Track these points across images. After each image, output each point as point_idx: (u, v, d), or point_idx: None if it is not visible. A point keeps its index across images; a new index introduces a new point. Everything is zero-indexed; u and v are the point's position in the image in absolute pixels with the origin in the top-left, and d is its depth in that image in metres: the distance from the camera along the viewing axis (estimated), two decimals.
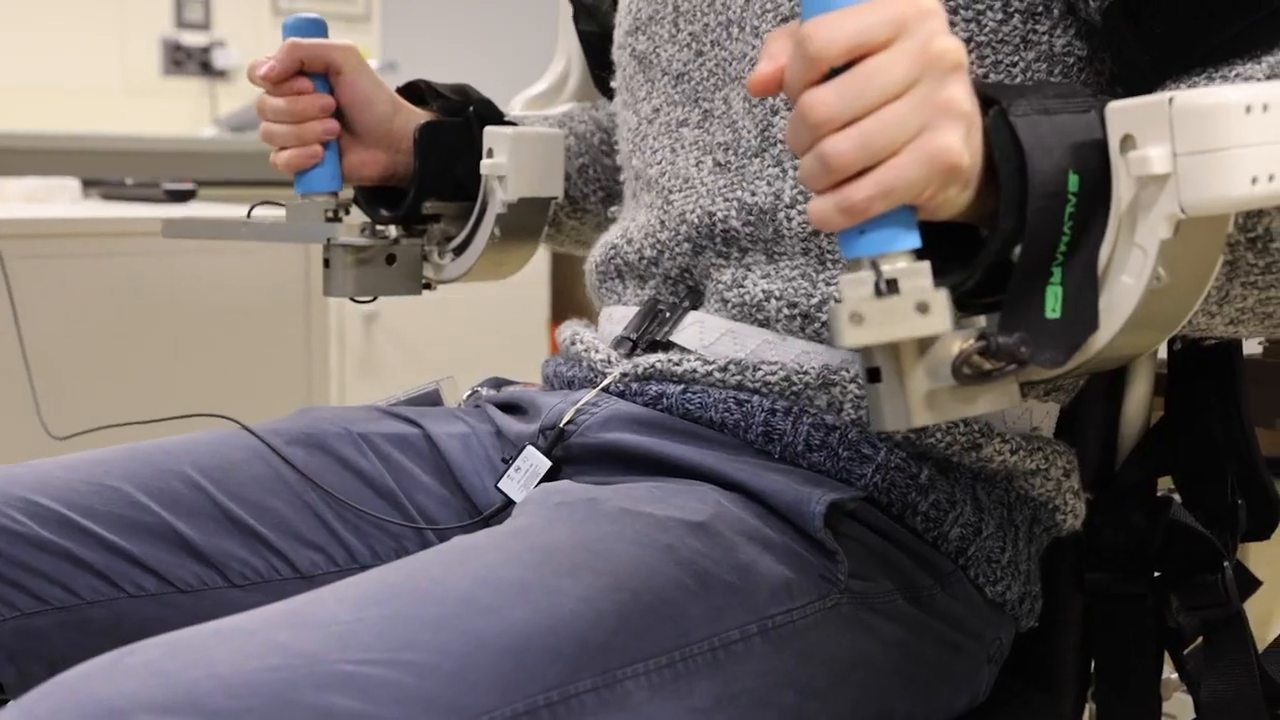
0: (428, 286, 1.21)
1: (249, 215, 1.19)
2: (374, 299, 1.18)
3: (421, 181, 1.15)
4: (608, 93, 1.25)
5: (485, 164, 1.12)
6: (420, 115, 1.17)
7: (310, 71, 1.12)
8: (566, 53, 1.40)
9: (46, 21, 3.95)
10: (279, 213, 1.17)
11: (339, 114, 1.14)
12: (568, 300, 3.49)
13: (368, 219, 1.18)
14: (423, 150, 1.14)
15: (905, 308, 0.66)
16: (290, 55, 1.10)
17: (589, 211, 1.25)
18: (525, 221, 1.15)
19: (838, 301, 0.67)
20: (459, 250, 1.18)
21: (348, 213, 1.16)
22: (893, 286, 0.66)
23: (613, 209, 1.17)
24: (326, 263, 1.16)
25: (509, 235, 1.15)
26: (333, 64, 1.12)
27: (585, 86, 1.36)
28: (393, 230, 1.18)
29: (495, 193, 1.13)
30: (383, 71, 3.95)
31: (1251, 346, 1.24)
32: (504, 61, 4.58)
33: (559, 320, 3.44)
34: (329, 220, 1.14)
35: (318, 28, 1.14)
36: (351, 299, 1.19)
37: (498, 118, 1.18)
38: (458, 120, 1.17)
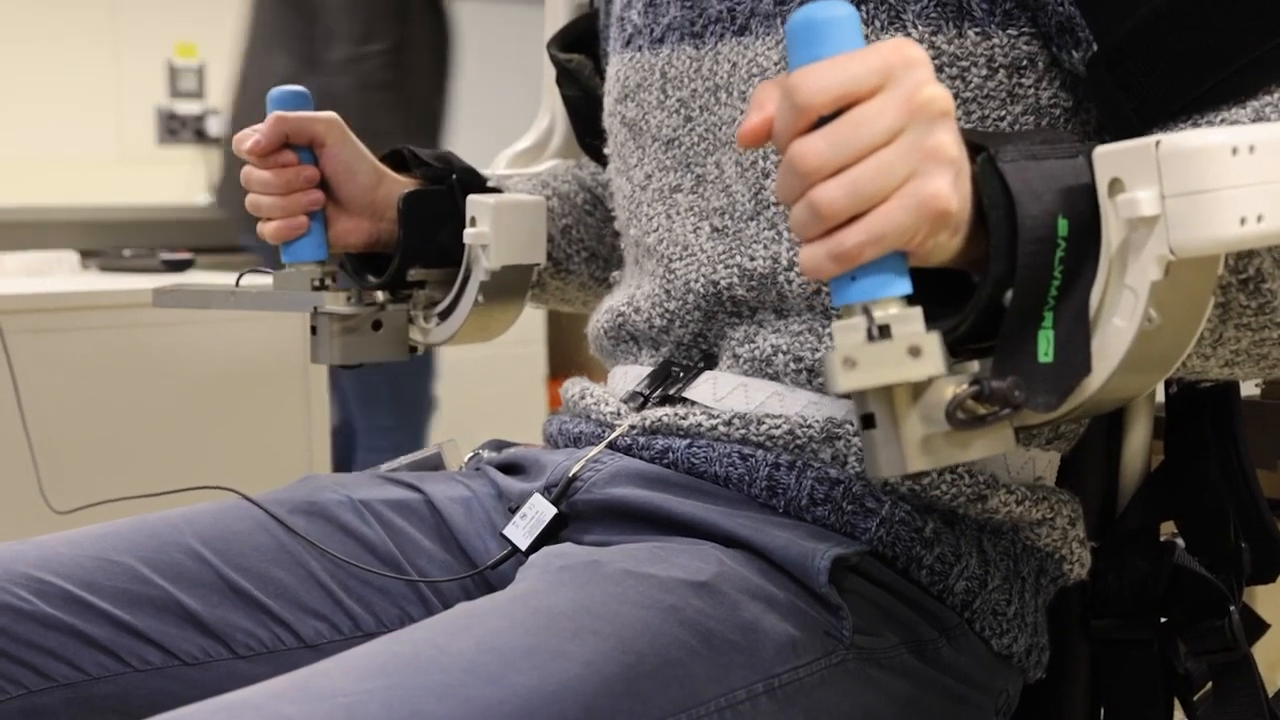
0: (413, 350, 1.22)
1: (237, 284, 1.20)
2: (361, 365, 1.19)
3: (406, 250, 1.15)
4: (596, 158, 1.26)
5: (468, 233, 1.13)
6: (403, 183, 1.18)
7: (295, 144, 1.13)
8: (551, 109, 1.41)
9: (43, 93, 3.98)
10: (267, 280, 1.18)
11: (324, 184, 1.15)
12: (566, 358, 3.49)
13: (353, 286, 1.19)
14: (406, 219, 1.15)
15: (898, 352, 0.66)
16: (276, 128, 1.11)
17: (572, 272, 1.25)
18: (509, 287, 1.16)
19: (830, 348, 0.67)
20: (444, 315, 1.19)
21: (334, 281, 1.17)
22: (885, 332, 0.66)
23: (614, 274, 1.17)
24: (314, 330, 1.17)
25: (493, 300, 1.15)
26: (316, 136, 1.13)
27: (569, 144, 1.36)
28: (379, 296, 1.18)
29: (479, 261, 1.14)
30: None
31: (1249, 388, 1.24)
32: (483, 117, 4.60)
33: (557, 378, 3.45)
34: (315, 289, 1.15)
35: (302, 100, 1.15)
36: (340, 365, 1.19)
37: (480, 184, 1.19)
38: (440, 189, 1.17)
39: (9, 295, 1.53)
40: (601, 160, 1.22)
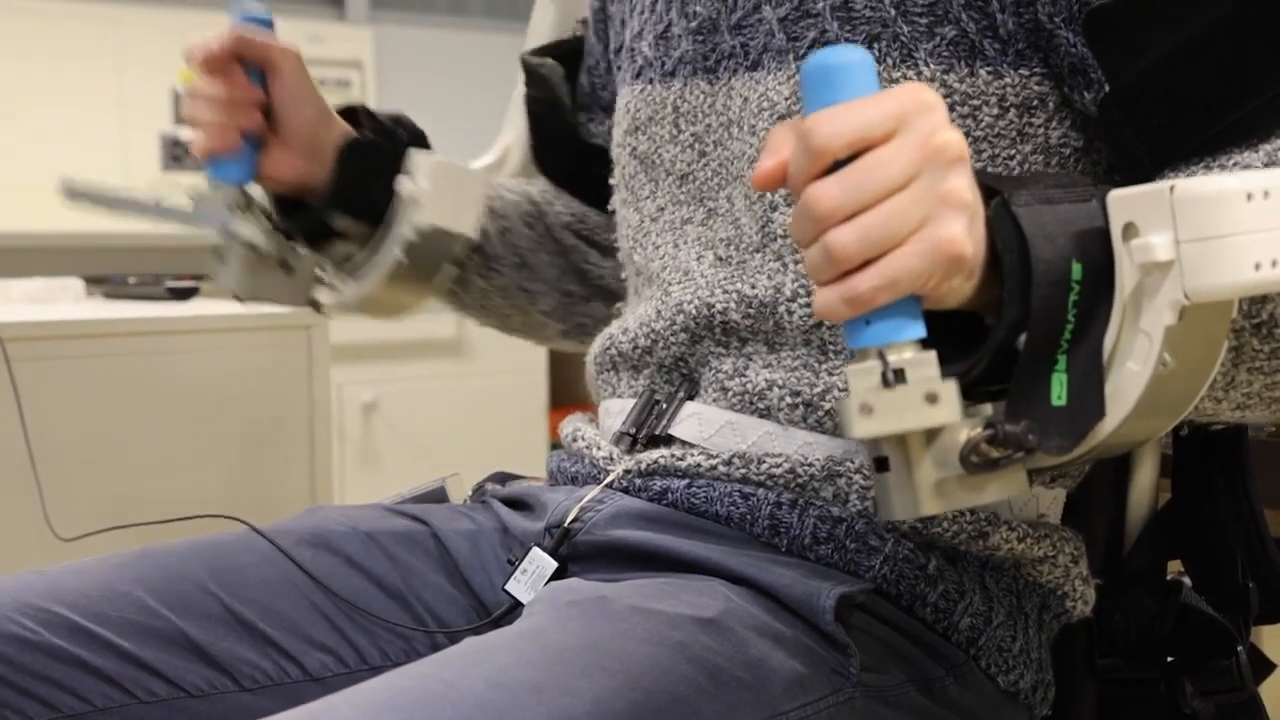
0: (317, 308, 1.18)
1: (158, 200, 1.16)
2: (259, 301, 1.15)
3: (335, 193, 1.13)
4: (547, 170, 1.26)
5: (404, 185, 1.10)
6: (350, 132, 1.16)
7: (249, 64, 1.11)
8: (515, 127, 1.40)
9: (47, 118, 3.99)
10: (185, 201, 1.14)
11: (269, 113, 1.13)
12: (566, 389, 3.49)
13: (272, 220, 1.16)
14: (343, 163, 1.13)
15: (914, 398, 0.66)
16: (231, 43, 1.09)
17: (500, 273, 1.23)
18: (431, 254, 1.13)
19: (844, 392, 0.67)
20: (357, 277, 1.16)
21: (252, 212, 1.14)
22: (900, 376, 0.67)
23: (616, 305, 1.17)
24: (220, 255, 1.14)
25: (411, 265, 1.12)
26: (271, 61, 1.12)
27: (527, 167, 1.35)
28: (299, 247, 1.15)
29: (407, 215, 1.11)
30: None
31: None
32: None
33: (558, 409, 3.45)
34: (232, 213, 1.12)
35: (266, 24, 1.13)
36: (236, 297, 1.15)
37: (427, 149, 1.17)
38: (384, 143, 1.15)
39: (15, 323, 1.53)
40: (555, 179, 1.23)
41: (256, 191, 1.16)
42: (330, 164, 1.13)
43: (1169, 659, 1.01)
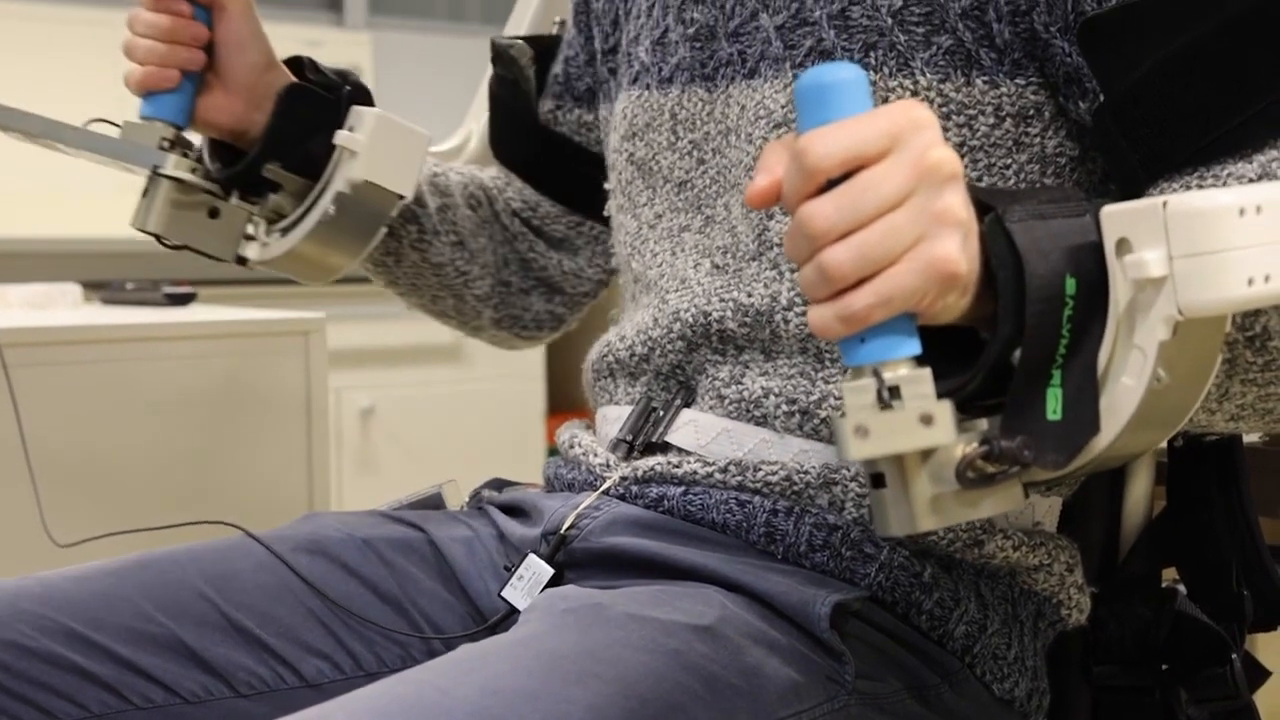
0: (243, 262, 1.15)
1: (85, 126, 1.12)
2: (183, 248, 1.12)
3: (270, 140, 1.10)
4: (501, 156, 1.26)
5: (341, 135, 1.07)
6: (292, 80, 1.13)
7: (196, 0, 1.09)
8: (470, 126, 1.39)
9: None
10: (114, 133, 1.11)
11: (210, 52, 1.11)
12: (564, 394, 3.49)
13: (203, 165, 1.13)
14: (281, 110, 1.10)
15: (909, 420, 0.66)
16: None
17: (434, 248, 1.20)
18: (364, 212, 1.09)
19: (839, 409, 0.67)
20: (286, 231, 1.12)
21: (184, 152, 1.11)
22: (895, 393, 0.67)
23: (611, 311, 1.17)
24: (145, 192, 1.10)
25: (342, 221, 1.08)
26: None
27: (486, 155, 1.33)
28: (231, 199, 1.11)
29: (343, 167, 1.07)
30: None
31: (1251, 435, 1.24)
32: None
33: (555, 414, 3.45)
34: (162, 150, 1.09)
35: None
36: (159, 239, 1.12)
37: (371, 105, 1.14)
38: (326, 95, 1.12)
39: (13, 329, 1.53)
40: (505, 156, 1.23)
41: (194, 137, 1.14)
42: (269, 110, 1.11)
43: (1164, 667, 1.01)
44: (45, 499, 1.35)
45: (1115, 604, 1.03)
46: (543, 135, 1.25)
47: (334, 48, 4.50)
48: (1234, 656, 0.98)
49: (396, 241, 1.18)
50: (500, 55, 1.25)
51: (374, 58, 4.58)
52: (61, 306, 1.89)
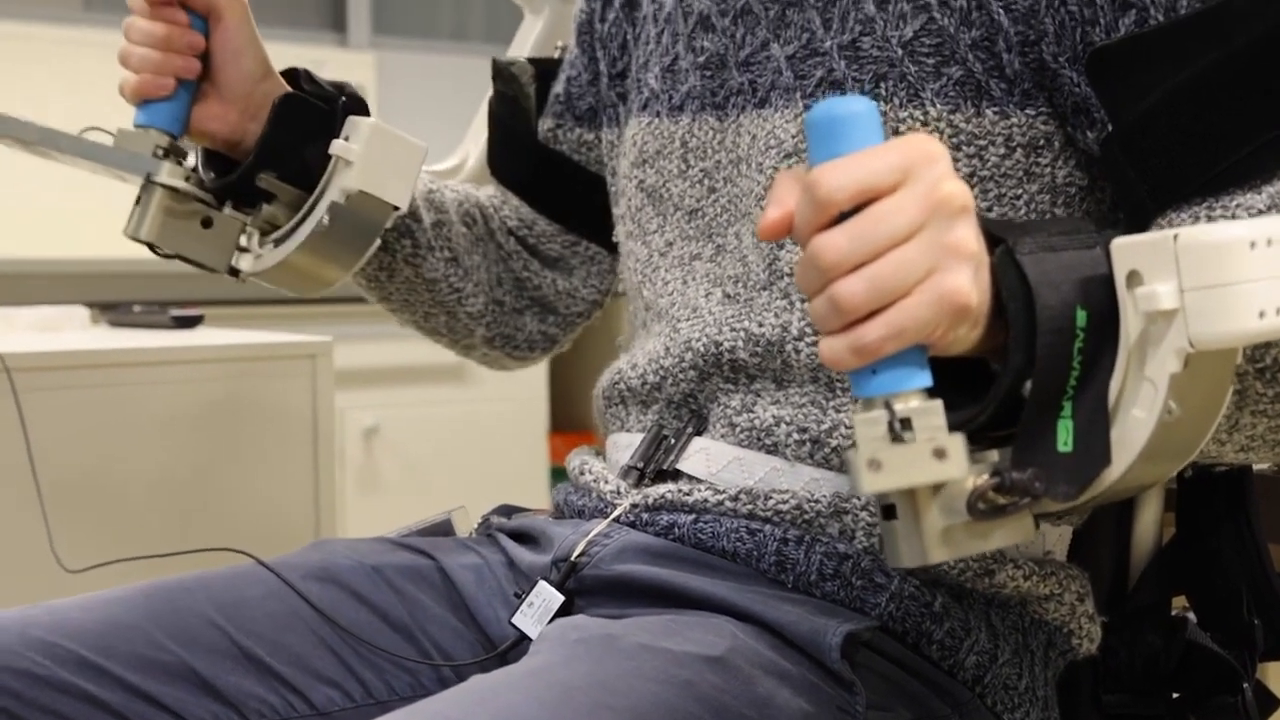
0: (235, 273, 1.14)
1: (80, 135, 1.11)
2: (176, 257, 1.12)
3: (264, 150, 1.10)
4: (501, 176, 1.26)
5: (336, 144, 1.07)
6: (288, 89, 1.13)
7: (192, 7, 1.09)
8: (469, 148, 1.39)
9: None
10: (108, 140, 1.11)
11: (206, 61, 1.10)
12: (566, 413, 3.49)
13: (197, 174, 1.12)
14: (276, 120, 1.09)
15: (923, 454, 0.66)
16: None
17: (428, 263, 1.19)
18: (358, 224, 1.08)
19: (850, 440, 0.68)
20: (279, 243, 1.11)
21: (178, 161, 1.10)
22: (906, 425, 0.67)
23: (620, 338, 1.18)
24: (138, 200, 1.10)
25: (336, 232, 1.07)
26: (215, 7, 1.09)
27: (484, 174, 1.33)
28: (225, 209, 1.11)
29: (337, 177, 1.07)
30: None
31: (1261, 464, 1.24)
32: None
33: (558, 433, 3.45)
34: (157, 158, 1.09)
35: None
36: (151, 247, 1.12)
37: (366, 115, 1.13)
38: (321, 105, 1.12)
39: (23, 353, 1.53)
40: (503, 175, 1.23)
41: (188, 145, 1.13)
42: (264, 119, 1.10)
43: (1174, 695, 1.01)
44: (54, 523, 1.35)
45: (1125, 632, 1.03)
46: (541, 153, 1.25)
47: (337, 67, 4.50)
48: (1245, 685, 0.98)
49: (390, 256, 1.17)
50: (501, 72, 1.26)
51: (377, 77, 4.59)
52: (69, 329, 1.90)
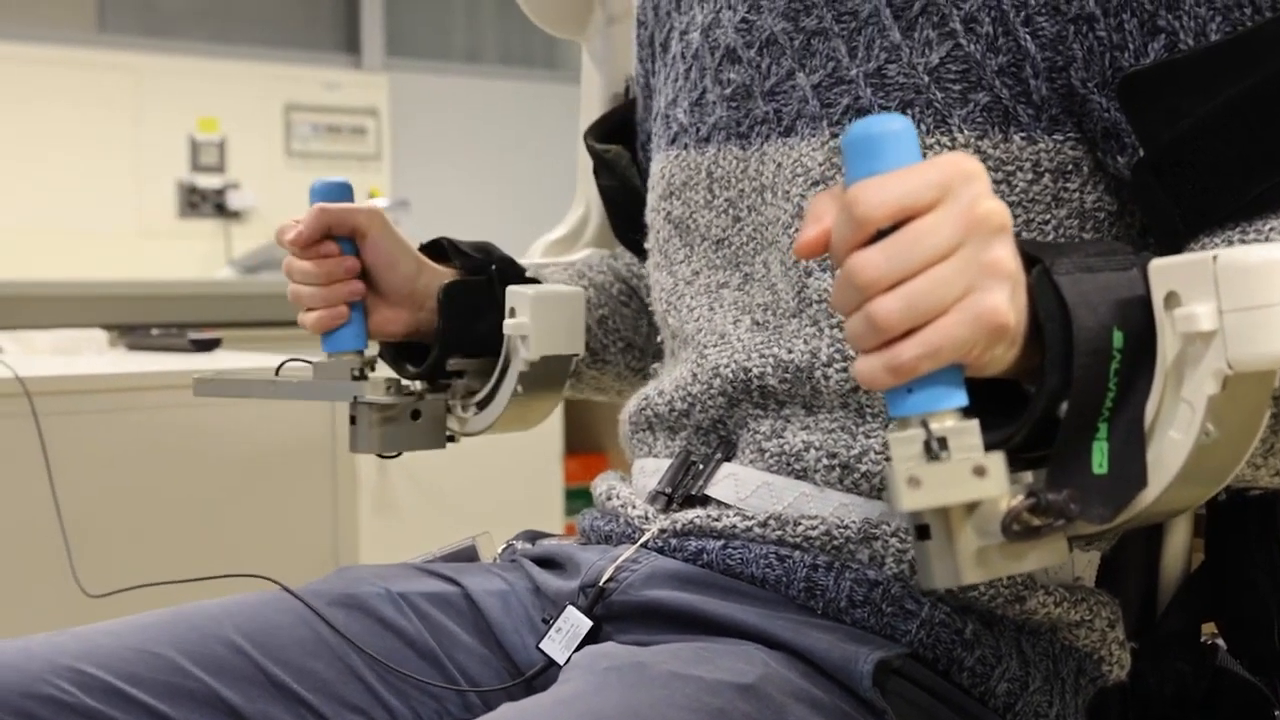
0: (451, 439, 1.22)
1: (277, 373, 1.20)
2: (400, 454, 1.20)
3: (445, 340, 1.16)
4: (634, 250, 1.27)
5: (508, 324, 1.14)
6: (443, 273, 1.19)
7: (337, 235, 1.14)
8: (586, 198, 1.41)
9: (65, 166, 4.01)
10: (307, 371, 1.19)
11: (364, 275, 1.16)
12: (581, 435, 3.49)
13: (393, 376, 1.20)
14: (446, 309, 1.16)
15: (962, 472, 0.66)
16: (318, 220, 1.13)
17: (609, 362, 1.26)
18: (547, 377, 1.17)
19: (886, 458, 0.67)
20: (482, 404, 1.20)
21: (373, 369, 1.18)
22: (942, 444, 0.67)
23: (653, 365, 1.18)
24: (353, 419, 1.18)
25: (531, 391, 1.16)
26: (358, 228, 1.14)
27: (604, 233, 1.37)
28: (417, 386, 1.20)
29: (518, 351, 1.14)
30: (394, 209, 4.00)
31: None
32: (513, 197, 4.64)
33: (573, 454, 3.44)
34: (355, 378, 1.16)
35: (344, 191, 1.16)
36: (379, 455, 1.20)
37: (518, 274, 1.20)
38: (480, 279, 1.18)
39: (43, 377, 1.53)
40: (639, 253, 1.22)
41: (372, 349, 1.21)
42: (432, 308, 1.17)
43: None
44: (75, 549, 1.35)
45: (1154, 659, 1.02)
46: None
47: (351, 90, 4.53)
48: (1276, 713, 0.97)
49: (575, 377, 1.24)
50: (601, 164, 1.28)
51: (390, 99, 4.61)
52: (88, 352, 1.90)
